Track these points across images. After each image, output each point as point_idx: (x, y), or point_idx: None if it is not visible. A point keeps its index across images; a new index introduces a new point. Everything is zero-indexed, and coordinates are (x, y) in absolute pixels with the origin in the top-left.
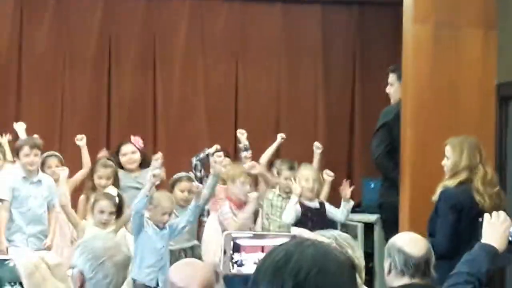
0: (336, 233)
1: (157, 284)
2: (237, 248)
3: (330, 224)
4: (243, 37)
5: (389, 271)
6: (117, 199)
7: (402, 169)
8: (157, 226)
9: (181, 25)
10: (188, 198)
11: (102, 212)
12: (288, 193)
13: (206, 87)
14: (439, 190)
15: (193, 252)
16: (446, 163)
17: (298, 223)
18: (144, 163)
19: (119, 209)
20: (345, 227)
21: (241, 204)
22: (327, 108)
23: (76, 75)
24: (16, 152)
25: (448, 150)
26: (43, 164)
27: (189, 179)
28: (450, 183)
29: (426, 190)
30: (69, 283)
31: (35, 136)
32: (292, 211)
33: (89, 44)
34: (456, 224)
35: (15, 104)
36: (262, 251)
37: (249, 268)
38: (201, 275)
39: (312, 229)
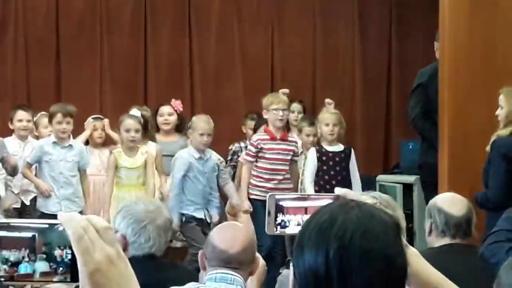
0: (376, 194)
1: (205, 216)
2: (280, 209)
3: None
4: (278, 1)
5: (430, 232)
6: (141, 119)
7: (441, 131)
8: (198, 153)
9: None
10: (135, 137)
11: (128, 130)
12: (310, 148)
13: (242, 52)
14: (492, 139)
15: None
16: (500, 112)
17: (320, 170)
18: (181, 128)
19: (144, 128)
20: (384, 188)
21: (274, 136)
22: (364, 70)
23: (113, 41)
24: (49, 118)
25: (502, 99)
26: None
27: (133, 116)
28: (504, 132)
29: (465, 151)
30: (117, 247)
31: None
32: (310, 167)
33: (125, 9)
34: (508, 173)
35: (55, 71)
36: (306, 212)
37: (292, 229)
38: (242, 237)
39: (333, 173)
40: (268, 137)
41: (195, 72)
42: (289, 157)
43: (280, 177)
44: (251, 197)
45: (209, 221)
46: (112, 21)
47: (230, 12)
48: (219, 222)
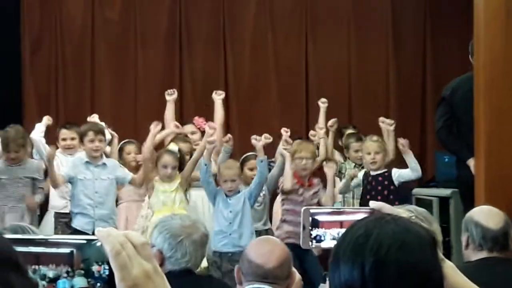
0: (412, 207)
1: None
2: (315, 223)
3: (403, 195)
4: (312, 11)
5: (467, 245)
6: (178, 154)
7: (476, 143)
8: (226, 194)
9: (250, 2)
10: (172, 174)
11: (165, 166)
12: (360, 165)
13: (276, 63)
14: None
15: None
16: None
17: (366, 194)
18: None
19: (180, 164)
20: (420, 202)
21: (302, 183)
22: (398, 80)
23: (148, 54)
24: (80, 137)
25: None
26: (121, 150)
27: (171, 152)
28: None
29: (501, 164)
30: (154, 262)
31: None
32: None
33: (160, 24)
34: None
35: (90, 85)
36: (341, 226)
37: (328, 243)
38: (278, 252)
39: (379, 196)
40: (295, 182)
41: (230, 86)
42: (315, 201)
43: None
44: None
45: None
46: (147, 36)
47: (264, 26)
48: None
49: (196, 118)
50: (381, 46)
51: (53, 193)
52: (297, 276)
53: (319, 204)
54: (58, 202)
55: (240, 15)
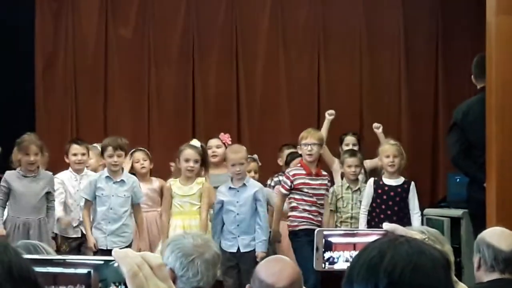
0: (424, 228)
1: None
2: (328, 246)
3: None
4: (325, 30)
5: (479, 267)
6: (200, 150)
7: (488, 164)
8: (231, 187)
9: (262, 19)
10: (194, 168)
11: (187, 160)
12: (353, 180)
13: (288, 81)
14: None
15: None
16: None
17: (381, 204)
18: None
19: (203, 160)
20: (431, 222)
21: (310, 172)
22: (410, 100)
23: (162, 71)
24: (101, 151)
25: None
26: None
27: (193, 147)
28: None
29: None
30: (170, 283)
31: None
32: (366, 197)
33: (173, 41)
34: None
35: (103, 101)
36: (354, 249)
37: (340, 265)
38: (289, 271)
39: (385, 207)
40: (304, 172)
41: (242, 103)
42: (323, 192)
43: (316, 209)
44: (295, 229)
45: (242, 250)
46: (160, 53)
47: (276, 43)
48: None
49: (222, 134)
50: (393, 65)
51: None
52: None
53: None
54: (69, 231)
55: (252, 32)
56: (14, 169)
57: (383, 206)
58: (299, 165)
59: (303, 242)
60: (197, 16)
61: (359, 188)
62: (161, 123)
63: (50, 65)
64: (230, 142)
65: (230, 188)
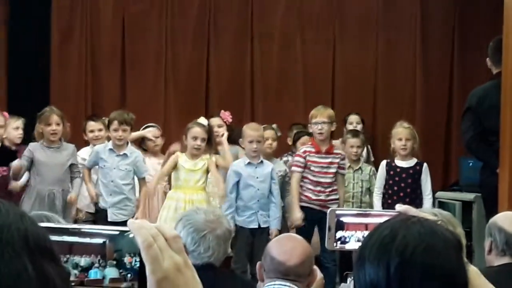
0: (437, 210)
1: (258, 222)
2: (340, 225)
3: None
4: (341, 11)
5: (490, 251)
6: (207, 127)
7: (502, 150)
8: (250, 162)
9: (279, 1)
10: (201, 146)
11: (195, 138)
12: (355, 160)
13: (303, 62)
14: None
15: None
16: None
17: (394, 185)
18: (231, 139)
19: (209, 138)
20: (443, 205)
21: (319, 150)
22: (425, 82)
23: (177, 49)
24: (108, 124)
25: None
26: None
27: (201, 125)
28: None
29: None
30: (185, 256)
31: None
32: (379, 179)
33: (189, 18)
34: None
35: (120, 77)
36: (366, 229)
37: (352, 245)
38: (300, 249)
39: (397, 188)
40: (313, 149)
41: (256, 83)
42: (333, 170)
43: (320, 188)
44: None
45: (262, 225)
46: (176, 29)
47: (292, 25)
48: (280, 232)
49: (222, 111)
50: (409, 49)
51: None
52: (319, 274)
53: (336, 180)
54: (82, 201)
55: (269, 12)
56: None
57: (395, 188)
58: (310, 143)
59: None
60: None
61: (360, 168)
62: (176, 99)
63: (66, 39)
64: (230, 120)
65: (248, 163)
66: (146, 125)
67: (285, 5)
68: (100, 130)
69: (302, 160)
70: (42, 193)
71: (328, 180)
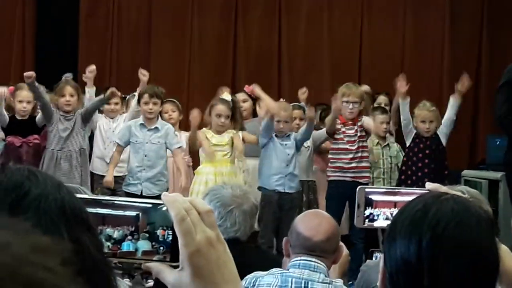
0: (464, 188)
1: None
2: (369, 203)
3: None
4: None
5: None
6: (231, 104)
7: None
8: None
9: None
10: (225, 123)
11: (219, 116)
12: (383, 137)
13: (330, 38)
14: None
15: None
16: None
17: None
18: (256, 112)
19: (233, 113)
20: (469, 184)
21: (344, 121)
22: (453, 61)
23: (204, 23)
24: (138, 99)
25: None
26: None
27: (225, 101)
28: None
29: None
30: (217, 230)
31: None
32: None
33: None
34: None
35: (146, 50)
36: (395, 206)
37: (380, 223)
38: (327, 226)
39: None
40: (339, 121)
41: (283, 57)
42: (359, 134)
43: (352, 156)
44: (328, 179)
45: (289, 191)
46: (203, 4)
47: (320, 1)
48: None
49: (247, 86)
50: (437, 26)
51: (96, 156)
52: (345, 250)
53: (363, 130)
54: (100, 165)
55: None
56: None
57: (420, 164)
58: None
59: (332, 194)
60: None
61: (388, 144)
62: (201, 73)
63: (93, 12)
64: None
65: (276, 135)
66: (164, 100)
67: None
68: (116, 104)
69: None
70: (58, 155)
71: (356, 146)
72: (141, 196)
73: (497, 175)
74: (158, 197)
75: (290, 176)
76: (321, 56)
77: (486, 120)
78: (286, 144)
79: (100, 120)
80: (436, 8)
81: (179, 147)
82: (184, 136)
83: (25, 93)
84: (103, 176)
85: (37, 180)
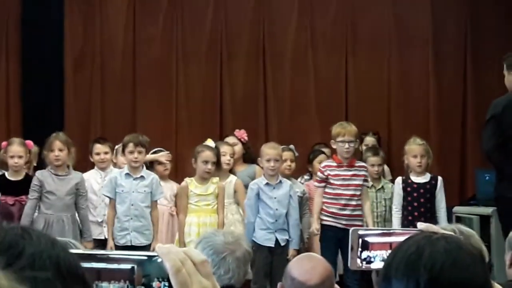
0: (456, 226)
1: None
2: (365, 245)
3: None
4: (353, 29)
5: (510, 264)
6: (215, 150)
7: None
8: (267, 180)
9: (290, 19)
10: (211, 170)
11: (206, 162)
12: (376, 179)
13: (316, 80)
14: None
15: None
16: None
17: (413, 201)
18: (248, 157)
19: (218, 160)
20: (461, 220)
21: (341, 162)
22: (438, 98)
23: (190, 69)
24: (122, 148)
25: None
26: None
27: (211, 148)
28: None
29: None
30: (213, 280)
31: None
32: (396, 197)
33: (201, 38)
34: None
35: (131, 100)
36: (390, 248)
37: (377, 264)
38: (321, 269)
39: (417, 204)
40: (334, 163)
41: (270, 102)
42: (355, 182)
43: (345, 202)
44: (321, 223)
45: (281, 244)
46: (188, 52)
47: (304, 42)
48: (299, 252)
49: (237, 130)
50: (422, 64)
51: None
52: None
53: (360, 193)
54: (94, 229)
55: (280, 31)
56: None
57: (415, 204)
58: (331, 159)
59: (326, 236)
60: (225, 14)
61: (382, 187)
62: (189, 122)
63: (79, 66)
64: (246, 138)
65: (266, 184)
66: (155, 149)
67: (296, 22)
68: (106, 153)
69: (320, 174)
70: (51, 219)
71: (351, 192)
72: (131, 247)
73: (488, 210)
74: (145, 247)
75: (280, 230)
76: (307, 97)
77: (474, 155)
78: (275, 198)
79: (91, 178)
80: (420, 47)
81: (156, 200)
82: (169, 185)
83: (15, 148)
84: (96, 240)
85: (30, 238)
